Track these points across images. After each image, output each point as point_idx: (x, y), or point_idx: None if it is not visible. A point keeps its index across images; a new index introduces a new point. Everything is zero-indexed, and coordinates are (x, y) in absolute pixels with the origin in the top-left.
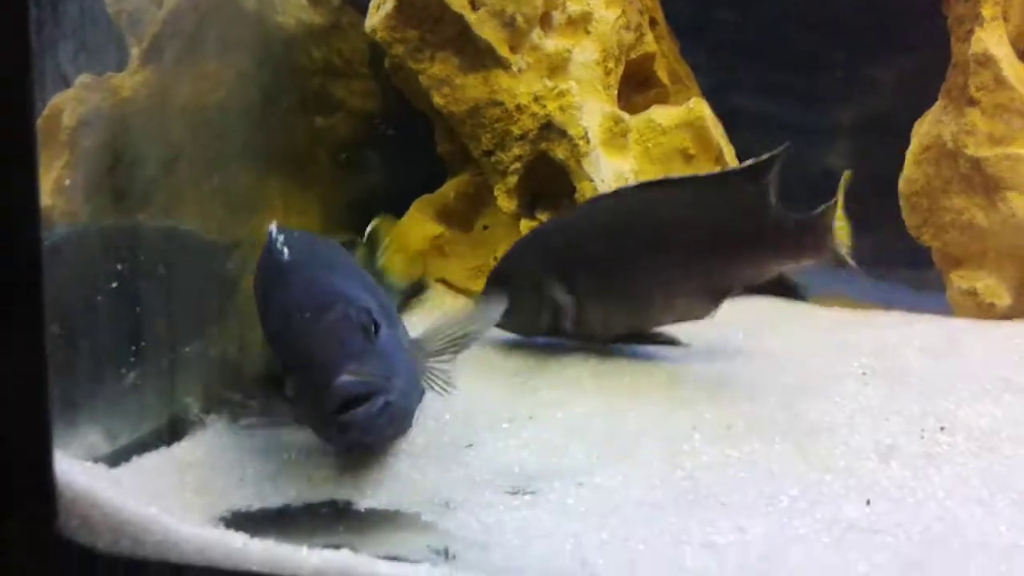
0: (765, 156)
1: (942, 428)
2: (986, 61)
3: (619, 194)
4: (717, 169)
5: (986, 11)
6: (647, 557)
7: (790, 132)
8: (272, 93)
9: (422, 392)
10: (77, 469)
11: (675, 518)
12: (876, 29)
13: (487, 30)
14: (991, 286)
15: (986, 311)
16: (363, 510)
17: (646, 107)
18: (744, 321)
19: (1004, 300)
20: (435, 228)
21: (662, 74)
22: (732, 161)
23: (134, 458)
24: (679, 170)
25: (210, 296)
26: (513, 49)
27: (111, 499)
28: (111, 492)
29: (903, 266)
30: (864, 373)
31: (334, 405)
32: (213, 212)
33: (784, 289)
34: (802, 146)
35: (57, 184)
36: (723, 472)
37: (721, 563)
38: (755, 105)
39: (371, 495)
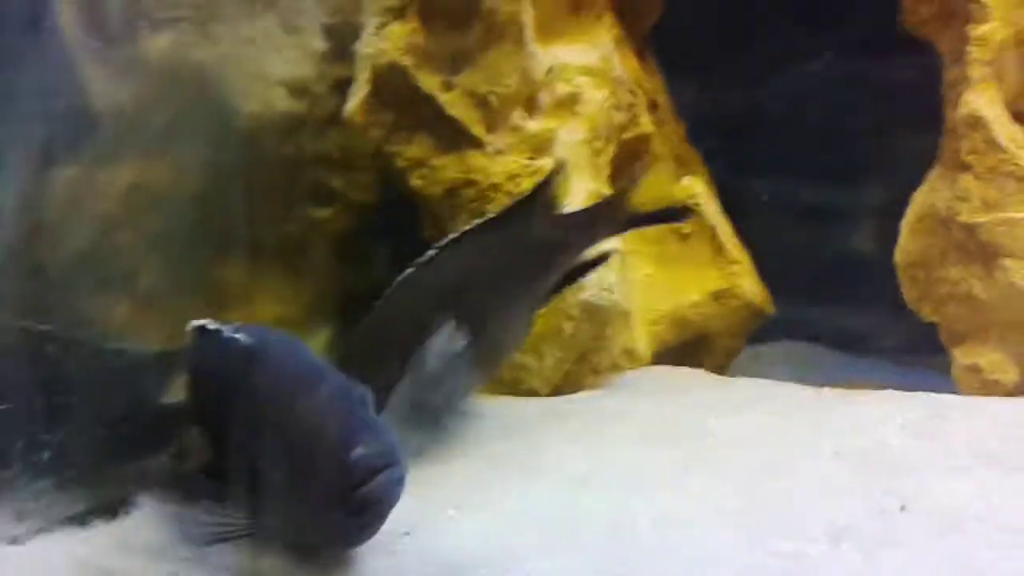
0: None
1: (902, 508)
2: (976, 123)
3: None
4: (712, 248)
5: (974, 72)
6: None
7: (811, 214)
8: (254, 184)
9: None
10: None
11: None
12: (901, 104)
13: (460, 110)
14: (995, 361)
15: (991, 388)
16: None
17: None
18: (721, 400)
19: (1010, 376)
20: None
21: (664, 154)
22: (727, 239)
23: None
24: (675, 250)
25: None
26: (489, 129)
27: None
28: None
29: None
30: (836, 452)
31: (357, 479)
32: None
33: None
34: (824, 228)
35: None
36: (663, 557)
37: None
38: (772, 187)
39: None
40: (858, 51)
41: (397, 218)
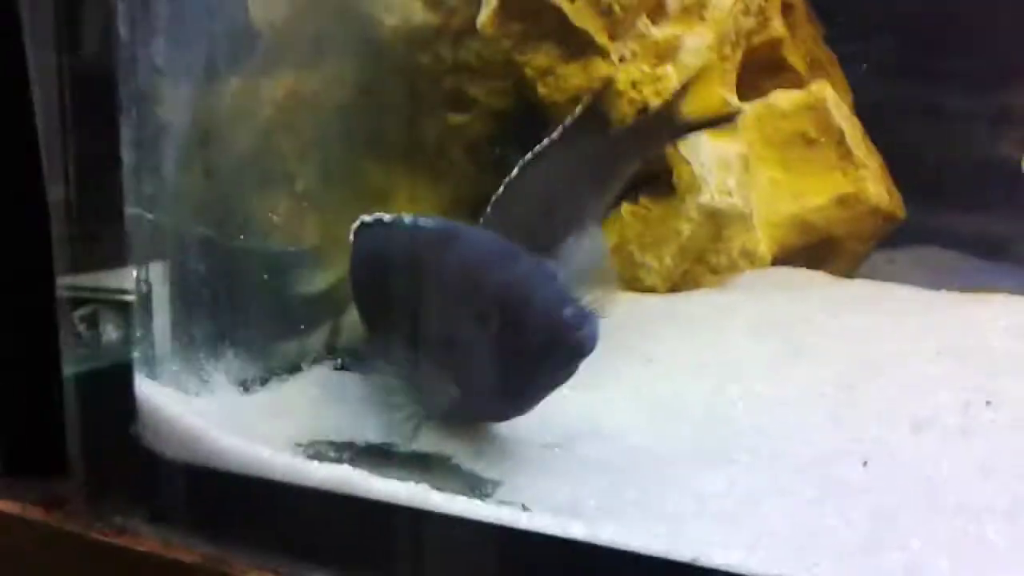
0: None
1: (988, 403)
2: None
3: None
4: (839, 152)
5: None
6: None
7: (952, 119)
8: (394, 92)
9: None
10: (156, 391)
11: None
12: None
13: (584, 19)
14: None
15: None
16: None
17: None
18: (834, 300)
19: None
20: None
21: (795, 60)
22: (856, 144)
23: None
24: (801, 154)
25: None
26: (614, 37)
27: (177, 415)
28: (178, 409)
29: None
30: (938, 352)
31: (571, 334)
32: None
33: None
34: (967, 134)
35: None
36: (753, 435)
37: (699, 509)
38: (913, 92)
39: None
40: None
41: (531, 125)
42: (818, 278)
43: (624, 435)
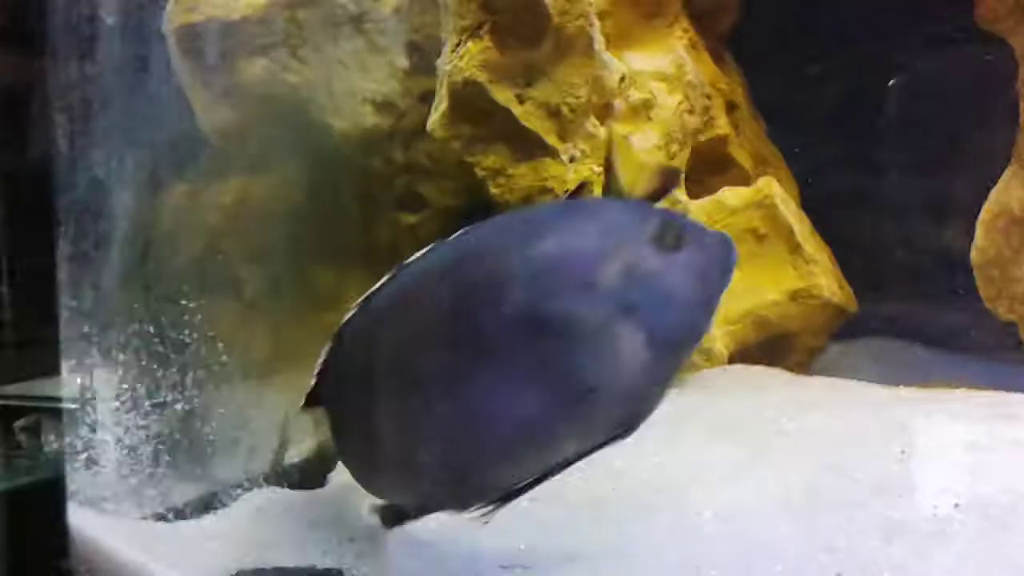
0: None
1: (956, 505)
2: None
3: None
4: (789, 246)
5: None
6: None
7: (896, 210)
8: (345, 195)
9: None
10: (91, 519)
11: None
12: (991, 96)
13: (534, 121)
14: None
15: None
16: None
17: None
18: (794, 399)
19: None
20: None
21: (741, 157)
22: (805, 239)
23: None
24: (752, 249)
25: None
26: (563, 138)
27: (113, 548)
28: (114, 542)
29: None
30: (902, 451)
31: None
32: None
33: None
34: (912, 224)
35: None
36: (717, 546)
37: None
38: (857, 183)
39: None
40: (940, 48)
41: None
42: (776, 376)
43: (590, 554)
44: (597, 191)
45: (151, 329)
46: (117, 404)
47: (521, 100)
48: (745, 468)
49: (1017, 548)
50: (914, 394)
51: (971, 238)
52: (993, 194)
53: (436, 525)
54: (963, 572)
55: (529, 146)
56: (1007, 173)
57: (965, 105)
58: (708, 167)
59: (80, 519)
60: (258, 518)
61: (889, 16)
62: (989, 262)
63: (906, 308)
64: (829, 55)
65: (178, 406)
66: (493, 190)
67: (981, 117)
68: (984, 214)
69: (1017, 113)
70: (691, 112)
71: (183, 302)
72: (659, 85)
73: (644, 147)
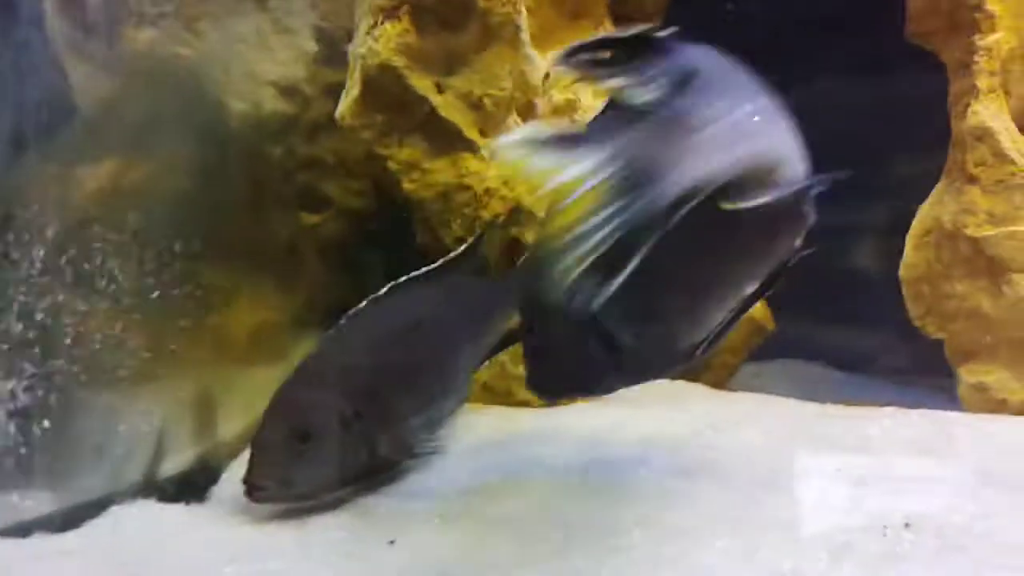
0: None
1: (907, 525)
2: (983, 135)
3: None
4: None
5: (981, 83)
6: None
7: (810, 231)
8: (240, 184)
9: None
10: None
11: None
12: (909, 120)
13: (454, 112)
14: (1002, 379)
15: (998, 407)
16: None
17: None
18: (719, 416)
19: (1018, 395)
20: None
21: None
22: None
23: None
24: None
25: None
26: (484, 132)
27: None
28: None
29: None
30: (838, 469)
31: None
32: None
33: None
34: (827, 248)
35: None
36: (654, 570)
37: None
38: None
39: None
40: (864, 65)
41: (391, 229)
42: (698, 390)
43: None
44: (519, 189)
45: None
46: None
47: (440, 89)
48: (678, 485)
49: (974, 570)
50: (841, 411)
51: (887, 260)
52: (924, 209)
53: None
54: None
55: (447, 139)
56: (938, 188)
57: (887, 124)
58: None
59: None
60: (128, 535)
61: (817, 35)
62: (919, 278)
63: (818, 330)
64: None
65: (32, 406)
66: (407, 186)
67: (901, 137)
68: (913, 229)
69: (944, 133)
70: None
71: (47, 288)
72: (582, 87)
73: None
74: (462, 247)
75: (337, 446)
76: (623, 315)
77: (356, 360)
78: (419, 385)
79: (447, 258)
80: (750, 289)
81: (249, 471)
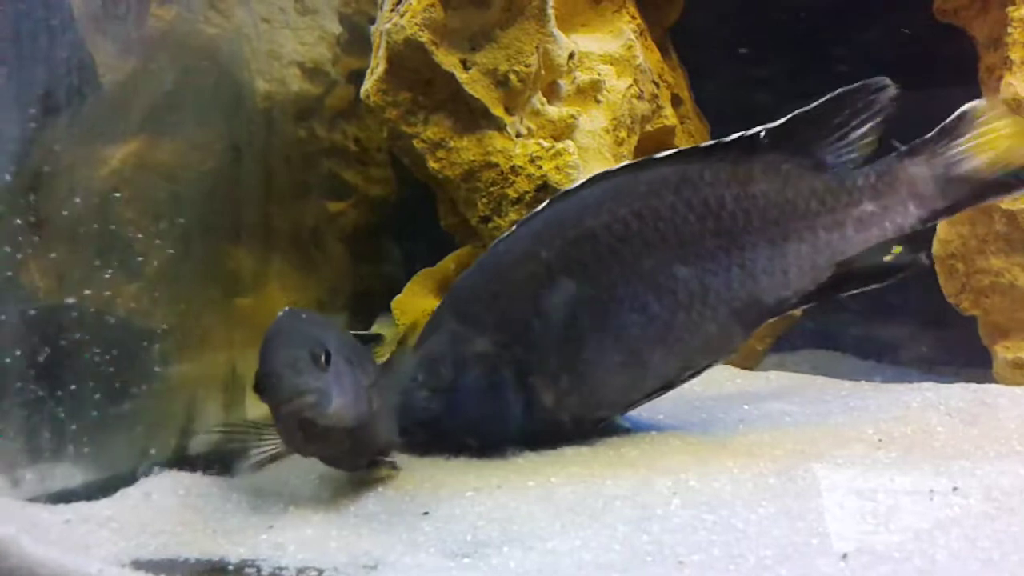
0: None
1: (955, 489)
2: (1018, 107)
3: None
4: None
5: (1015, 55)
6: None
7: None
8: (265, 165)
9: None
10: None
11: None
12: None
13: (479, 89)
14: None
15: None
16: (273, 568)
17: None
18: (752, 390)
19: None
20: (433, 302)
21: None
22: None
23: None
24: None
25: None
26: (509, 111)
27: None
28: None
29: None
30: (879, 439)
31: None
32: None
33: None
34: None
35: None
36: (692, 535)
37: None
38: None
39: (292, 553)
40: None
41: (411, 218)
42: (728, 372)
43: (543, 540)
44: (547, 166)
45: (39, 270)
46: None
47: (466, 66)
48: (713, 455)
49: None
50: (877, 386)
51: (913, 249)
52: None
53: None
54: (984, 555)
55: (473, 117)
56: None
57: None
58: None
59: None
60: (160, 504)
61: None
62: (952, 255)
63: (842, 320)
64: (775, 56)
65: (63, 374)
66: (432, 164)
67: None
68: None
69: None
70: (640, 98)
71: (77, 257)
72: (608, 67)
73: (592, 130)
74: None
75: None
76: None
77: None
78: None
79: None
80: None
81: None
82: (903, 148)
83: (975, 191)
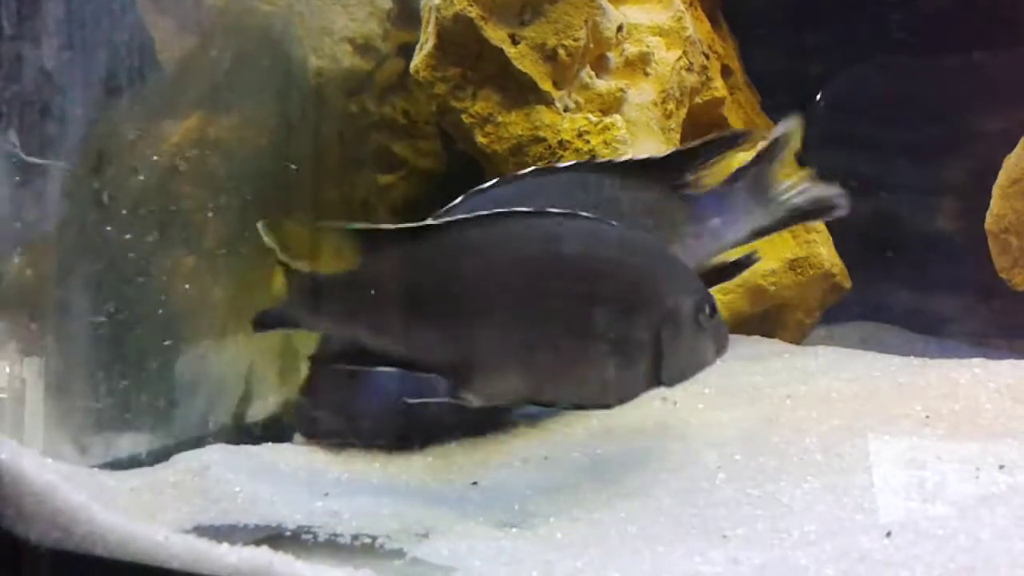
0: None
1: (1001, 467)
2: None
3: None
4: None
5: None
6: None
7: (887, 190)
8: (318, 140)
9: None
10: (20, 455)
11: (664, 548)
12: (983, 76)
13: (528, 64)
14: None
15: None
16: (329, 535)
17: None
18: (799, 365)
19: None
20: None
21: (736, 122)
22: None
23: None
24: None
25: None
26: (557, 85)
27: (47, 488)
28: (49, 479)
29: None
30: (927, 416)
31: None
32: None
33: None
34: (902, 206)
35: None
36: (737, 509)
37: None
38: (847, 162)
39: (346, 520)
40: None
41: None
42: (776, 346)
43: (588, 512)
44: (595, 140)
45: (105, 250)
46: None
47: (515, 40)
48: (758, 432)
49: None
50: (926, 362)
51: (964, 224)
52: (1010, 159)
53: None
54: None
55: (521, 92)
56: None
57: (965, 83)
58: (702, 131)
59: (8, 457)
60: (218, 472)
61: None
62: (1006, 229)
63: (892, 293)
64: (827, 29)
65: (122, 347)
66: (480, 139)
67: (981, 97)
68: (1000, 179)
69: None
70: (689, 70)
71: (140, 233)
72: (657, 39)
73: (641, 103)
74: None
75: None
76: None
77: None
78: None
79: None
80: None
81: None
82: (733, 172)
83: (792, 213)
